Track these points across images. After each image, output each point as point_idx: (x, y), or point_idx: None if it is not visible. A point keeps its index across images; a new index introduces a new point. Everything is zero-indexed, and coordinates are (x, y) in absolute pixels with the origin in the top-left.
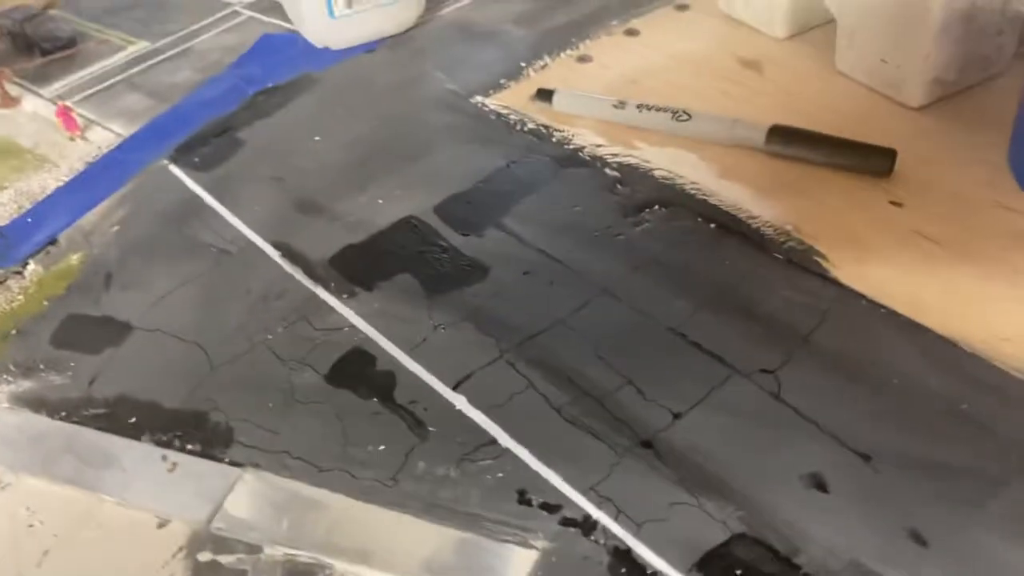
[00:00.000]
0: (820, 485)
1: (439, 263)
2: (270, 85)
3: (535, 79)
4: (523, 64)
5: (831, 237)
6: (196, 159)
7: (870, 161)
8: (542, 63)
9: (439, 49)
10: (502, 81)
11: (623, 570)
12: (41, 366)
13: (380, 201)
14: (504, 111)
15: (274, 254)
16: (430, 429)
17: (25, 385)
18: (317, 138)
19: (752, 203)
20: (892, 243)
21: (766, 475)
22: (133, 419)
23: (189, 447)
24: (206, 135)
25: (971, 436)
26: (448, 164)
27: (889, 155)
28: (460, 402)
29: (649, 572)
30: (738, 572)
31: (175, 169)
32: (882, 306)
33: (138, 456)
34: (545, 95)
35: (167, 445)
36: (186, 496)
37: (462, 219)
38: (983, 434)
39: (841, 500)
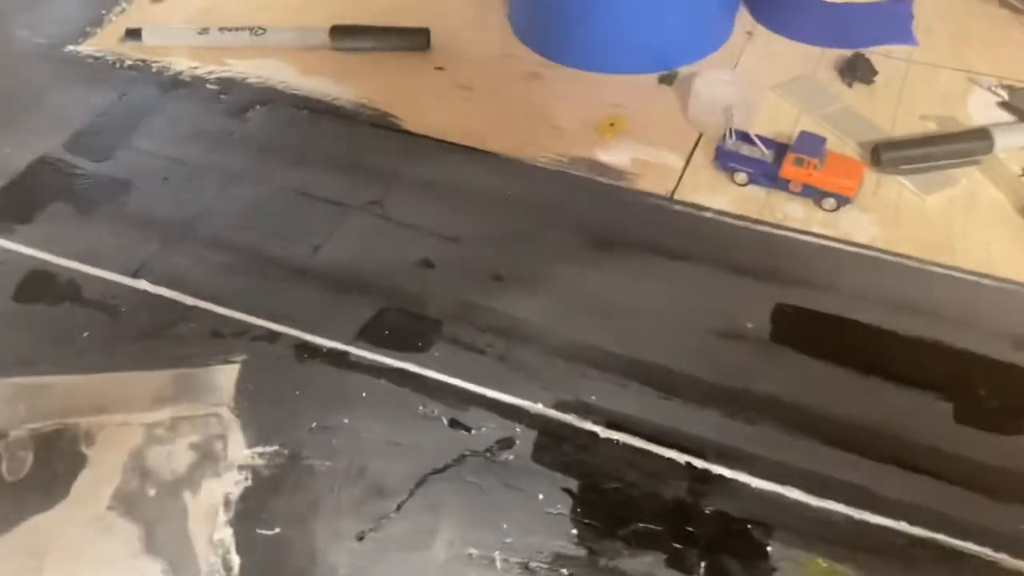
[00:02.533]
0: (429, 264)
1: (83, 188)
2: None
3: (118, 23)
4: (104, 12)
5: (398, 102)
6: None
7: (412, 40)
8: (120, 8)
9: (21, 11)
10: (88, 29)
11: (305, 355)
12: None
13: (7, 150)
14: (100, 54)
15: None
16: (123, 311)
17: None
18: None
19: (332, 89)
20: (441, 97)
21: (391, 268)
22: None
23: None
24: None
25: (516, 209)
26: (62, 107)
27: (425, 33)
28: (142, 284)
29: (325, 350)
30: (387, 332)
31: None
32: (444, 141)
33: None
34: (134, 34)
35: None
36: None
37: (93, 149)
38: (523, 206)
39: (443, 269)
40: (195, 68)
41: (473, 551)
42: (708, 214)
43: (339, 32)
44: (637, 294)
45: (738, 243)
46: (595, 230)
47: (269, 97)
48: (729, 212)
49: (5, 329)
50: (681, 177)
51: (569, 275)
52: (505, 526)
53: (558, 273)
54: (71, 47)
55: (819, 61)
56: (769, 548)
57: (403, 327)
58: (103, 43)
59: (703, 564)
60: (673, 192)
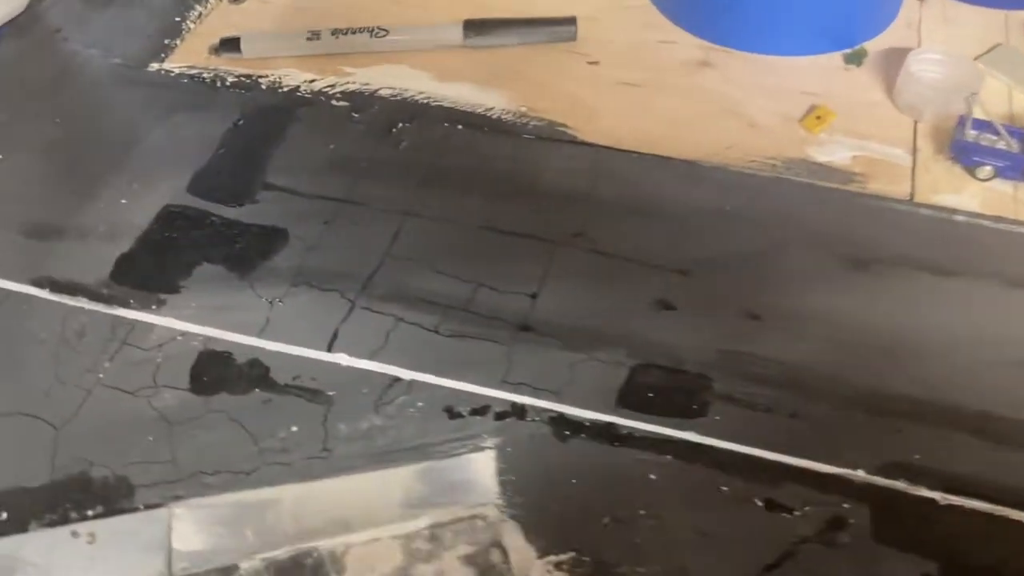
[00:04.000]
0: (668, 306)
1: (229, 241)
2: None
3: (199, 31)
4: (178, 19)
5: (562, 108)
6: None
7: (558, 31)
8: (197, 13)
9: (77, 25)
10: (166, 42)
11: (567, 432)
12: None
13: (123, 201)
14: (194, 72)
15: (41, 293)
16: (329, 394)
17: None
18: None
19: (481, 97)
20: (607, 98)
21: (625, 313)
22: (3, 515)
23: (91, 513)
24: None
25: (741, 228)
26: (170, 142)
27: (571, 22)
28: (341, 359)
29: (587, 424)
30: (651, 395)
31: None
32: (626, 151)
33: (42, 546)
34: (230, 44)
35: (63, 523)
36: (125, 557)
37: (223, 191)
38: (747, 223)
39: (686, 311)
40: (312, 81)
41: None
42: (961, 218)
43: (475, 27)
44: (917, 323)
45: (1010, 251)
46: (842, 246)
47: (411, 112)
48: (984, 214)
49: (194, 431)
50: (913, 174)
51: (832, 305)
52: None
53: (819, 304)
54: (155, 65)
55: (1004, 26)
56: None
57: (666, 387)
58: (190, 57)
59: None
60: (912, 194)
